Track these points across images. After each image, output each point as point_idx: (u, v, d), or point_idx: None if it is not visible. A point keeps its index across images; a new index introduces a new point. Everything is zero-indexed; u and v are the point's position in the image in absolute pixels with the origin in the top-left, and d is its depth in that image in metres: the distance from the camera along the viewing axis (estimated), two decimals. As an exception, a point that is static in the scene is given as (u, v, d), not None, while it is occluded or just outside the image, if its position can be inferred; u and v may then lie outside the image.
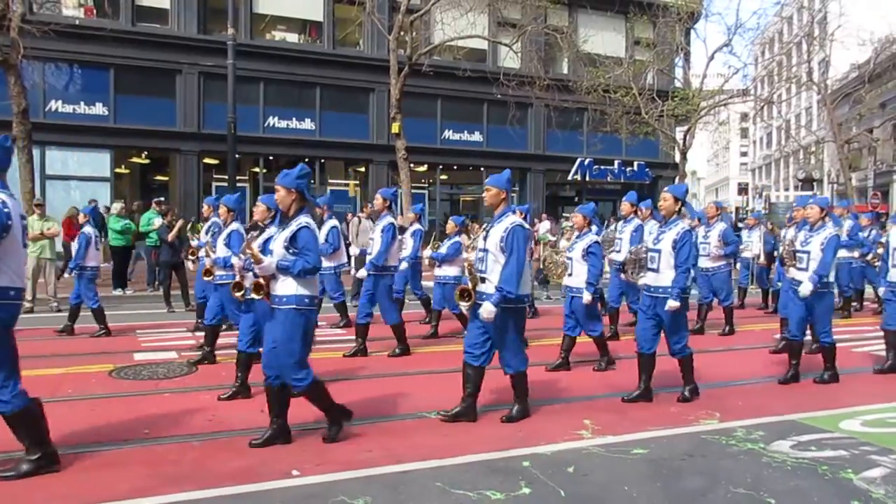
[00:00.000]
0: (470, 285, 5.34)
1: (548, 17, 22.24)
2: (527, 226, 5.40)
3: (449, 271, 8.95)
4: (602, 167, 25.79)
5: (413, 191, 19.52)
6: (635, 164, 26.43)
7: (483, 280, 5.32)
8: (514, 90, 20.13)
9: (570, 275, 7.37)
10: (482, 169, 25.19)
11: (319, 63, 21.94)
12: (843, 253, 11.18)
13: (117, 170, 20.66)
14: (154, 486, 4.05)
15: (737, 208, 35.95)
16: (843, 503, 3.94)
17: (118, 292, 13.56)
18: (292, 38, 22.89)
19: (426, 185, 24.47)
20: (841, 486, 4.18)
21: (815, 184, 38.16)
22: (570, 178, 25.70)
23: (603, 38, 24.53)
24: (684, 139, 23.12)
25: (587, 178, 25.58)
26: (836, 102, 27.27)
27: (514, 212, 5.40)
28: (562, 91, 21.33)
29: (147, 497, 3.89)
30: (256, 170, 22.14)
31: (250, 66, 19.92)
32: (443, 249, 8.95)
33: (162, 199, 14.41)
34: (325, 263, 9.42)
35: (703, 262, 9.89)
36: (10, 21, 14.27)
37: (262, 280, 4.75)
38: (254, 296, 4.82)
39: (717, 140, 77.45)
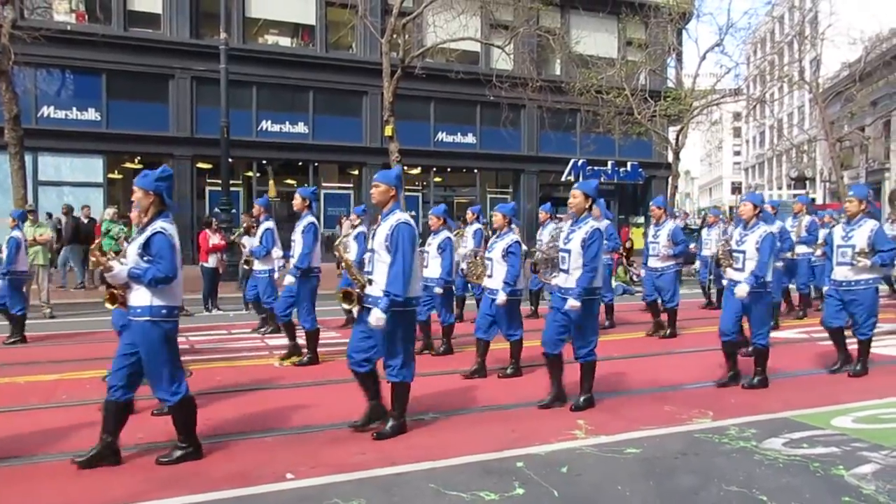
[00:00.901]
0: (357, 287, 5.07)
1: (540, 18, 22.27)
2: (413, 224, 5.09)
3: None
4: (596, 168, 25.86)
5: (407, 193, 19.54)
6: (629, 164, 26.51)
7: (370, 282, 5.07)
8: (506, 92, 20.15)
9: (489, 276, 7.07)
10: (476, 171, 25.26)
11: (312, 66, 21.95)
12: (802, 248, 11.20)
13: (110, 175, 20.63)
14: (148, 491, 4.05)
15: (730, 208, 36.04)
16: (834, 500, 3.96)
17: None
18: (285, 41, 22.90)
19: (420, 187, 24.50)
20: (832, 483, 4.21)
21: (807, 182, 38.32)
22: (563, 178, 25.75)
23: (595, 39, 24.58)
24: (677, 139, 23.17)
25: (581, 179, 25.62)
26: (827, 101, 27.35)
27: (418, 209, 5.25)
28: (555, 92, 21.37)
29: (142, 501, 3.89)
30: (250, 174, 22.13)
31: (243, 70, 19.91)
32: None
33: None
34: (260, 266, 9.16)
35: (652, 262, 9.74)
36: (0, 27, 14.24)
37: (115, 290, 4.52)
38: (108, 305, 4.60)
39: (710, 140, 77.59)
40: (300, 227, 7.75)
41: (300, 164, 22.83)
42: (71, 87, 19.81)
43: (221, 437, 5.13)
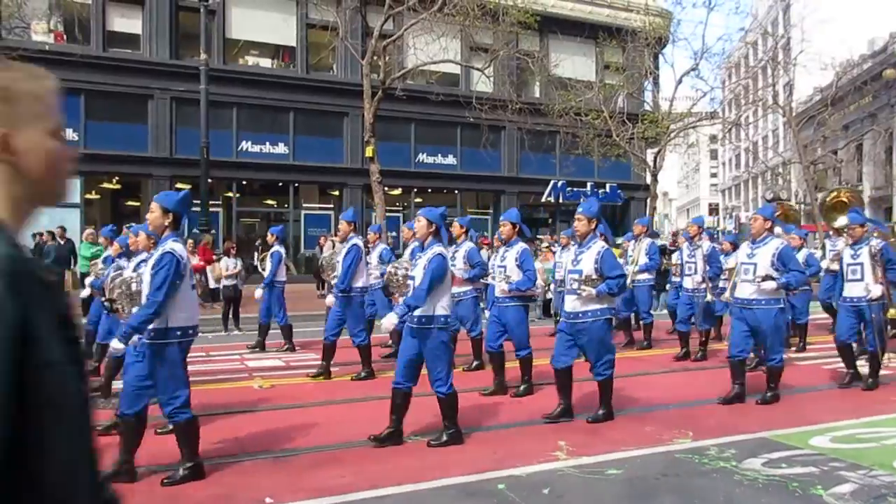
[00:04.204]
0: None
1: (519, 42, 22.53)
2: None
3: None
4: (575, 189, 26.05)
5: (388, 214, 19.53)
6: (607, 185, 26.75)
7: None
8: (486, 114, 20.31)
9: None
10: (456, 192, 25.34)
11: (293, 88, 21.97)
12: (643, 276, 10.43)
13: (88, 195, 20.41)
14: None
15: (707, 228, 36.33)
16: (813, 519, 4.00)
17: (88, 319, 13.32)
18: (265, 62, 22.92)
19: (400, 208, 24.51)
20: (811, 503, 4.24)
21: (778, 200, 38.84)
22: (543, 199, 25.91)
23: (573, 62, 24.91)
24: (655, 161, 23.45)
25: (561, 200, 25.82)
26: (800, 125, 27.89)
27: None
28: (534, 114, 21.57)
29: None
30: (230, 194, 22.01)
31: (223, 90, 19.87)
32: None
33: (133, 224, 14.24)
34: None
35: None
36: (-23, 47, 14.14)
37: None
38: None
39: (688, 162, 78.79)
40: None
41: (280, 184, 22.76)
42: (48, 107, 19.61)
43: (201, 459, 5.05)
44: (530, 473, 4.73)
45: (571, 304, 6.13)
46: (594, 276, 5.99)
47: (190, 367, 8.57)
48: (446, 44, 19.58)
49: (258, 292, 9.90)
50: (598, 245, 6.10)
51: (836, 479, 4.62)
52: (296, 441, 5.55)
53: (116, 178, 21.08)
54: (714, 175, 79.04)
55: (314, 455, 5.20)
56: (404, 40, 20.24)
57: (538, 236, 23.16)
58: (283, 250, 10.19)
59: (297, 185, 22.92)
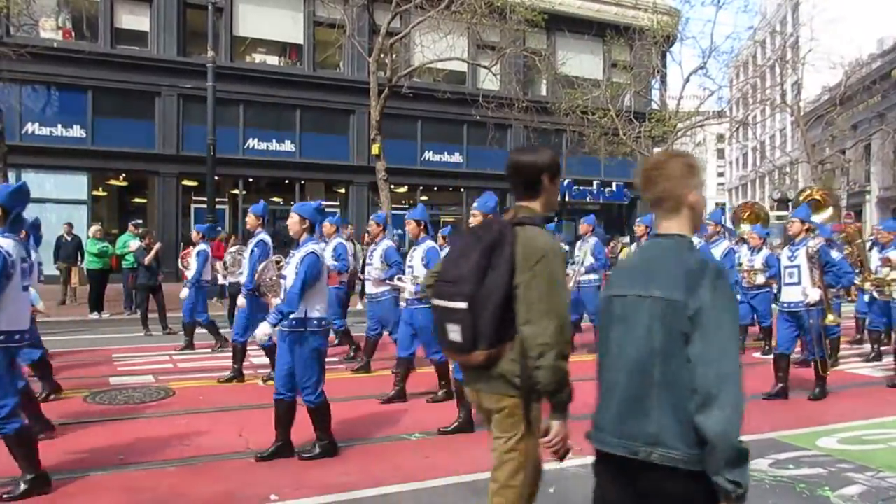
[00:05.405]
0: None
1: (526, 40, 22.48)
2: None
3: None
4: (581, 188, 26.02)
5: (393, 212, 19.54)
6: (614, 184, 26.70)
7: None
8: (493, 112, 20.28)
9: None
10: (462, 190, 25.33)
11: (299, 85, 21.99)
12: (591, 276, 9.99)
13: (95, 192, 20.48)
14: (129, 514, 3.98)
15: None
16: (820, 521, 3.97)
17: (94, 316, 13.38)
18: (272, 60, 22.94)
19: (407, 205, 24.50)
20: (818, 504, 4.21)
21: (790, 203, 38.72)
22: (549, 198, 25.83)
23: (581, 60, 24.83)
24: (662, 160, 23.34)
25: (567, 199, 25.77)
26: (808, 124, 27.78)
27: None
28: (540, 113, 21.52)
29: (122, 524, 3.82)
30: (236, 192, 22.05)
31: (230, 88, 19.91)
32: None
33: (139, 221, 14.29)
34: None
35: (368, 288, 8.22)
36: (-14, 43, 14.19)
37: None
38: None
39: (695, 161, 78.40)
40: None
41: (287, 181, 22.79)
42: (56, 104, 19.69)
43: (205, 457, 5.06)
44: (536, 472, 4.71)
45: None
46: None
47: (194, 364, 8.65)
48: (453, 41, 19.56)
49: (184, 291, 9.62)
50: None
51: (844, 480, 4.59)
52: (299, 438, 5.55)
53: (123, 174, 21.14)
54: (721, 174, 78.81)
55: (319, 452, 5.18)
56: (411, 38, 20.22)
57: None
58: (208, 249, 10.09)
59: (303, 182, 22.94)
